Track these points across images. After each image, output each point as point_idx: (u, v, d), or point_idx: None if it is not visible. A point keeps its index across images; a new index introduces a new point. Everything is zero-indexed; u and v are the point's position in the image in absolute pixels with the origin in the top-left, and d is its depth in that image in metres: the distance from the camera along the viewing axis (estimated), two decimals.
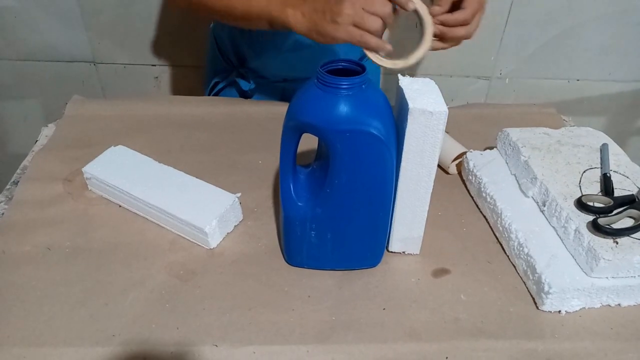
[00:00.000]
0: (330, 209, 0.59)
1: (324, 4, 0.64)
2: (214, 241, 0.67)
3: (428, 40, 0.66)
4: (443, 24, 0.67)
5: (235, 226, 0.70)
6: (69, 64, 1.41)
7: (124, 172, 0.72)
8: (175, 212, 0.66)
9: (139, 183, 0.70)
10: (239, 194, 0.69)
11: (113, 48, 1.40)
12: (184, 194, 0.69)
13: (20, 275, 0.62)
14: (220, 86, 1.04)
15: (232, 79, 1.01)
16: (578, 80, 1.49)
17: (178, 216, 0.66)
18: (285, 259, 0.65)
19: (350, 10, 0.62)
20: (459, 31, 0.69)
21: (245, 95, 1.02)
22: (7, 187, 0.75)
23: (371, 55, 0.65)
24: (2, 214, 0.70)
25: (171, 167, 0.74)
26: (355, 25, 0.63)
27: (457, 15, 0.67)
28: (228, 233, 0.69)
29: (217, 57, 1.03)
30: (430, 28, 0.66)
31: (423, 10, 0.65)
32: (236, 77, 1.00)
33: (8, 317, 0.57)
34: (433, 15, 0.67)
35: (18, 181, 0.75)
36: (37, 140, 0.84)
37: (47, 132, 0.86)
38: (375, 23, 0.63)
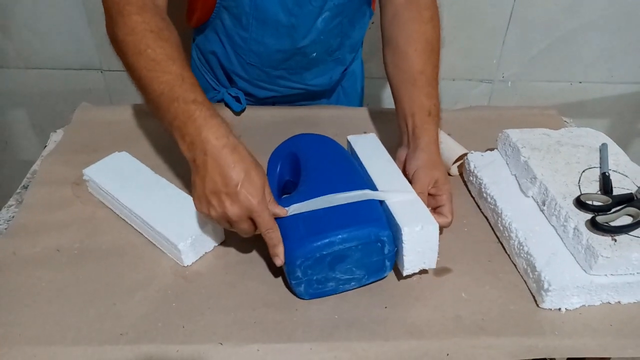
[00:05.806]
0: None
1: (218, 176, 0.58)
2: (188, 259, 0.65)
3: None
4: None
5: (215, 246, 0.68)
6: (77, 71, 1.43)
7: (118, 178, 0.72)
8: (154, 224, 0.66)
9: (129, 191, 0.70)
10: None
11: None
12: (168, 208, 0.68)
13: (30, 276, 0.63)
14: None
15: (221, 97, 0.97)
16: (580, 82, 1.50)
17: (156, 228, 0.66)
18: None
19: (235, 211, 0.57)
20: None
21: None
22: (18, 191, 0.77)
23: None
24: (13, 217, 0.72)
25: (164, 179, 0.73)
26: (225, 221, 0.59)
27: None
28: (206, 252, 0.68)
29: (201, 76, 0.99)
30: None
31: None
32: (224, 98, 0.97)
33: (19, 316, 0.59)
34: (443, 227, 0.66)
35: (28, 185, 0.77)
36: (46, 146, 0.86)
37: (56, 137, 0.88)
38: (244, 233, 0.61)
